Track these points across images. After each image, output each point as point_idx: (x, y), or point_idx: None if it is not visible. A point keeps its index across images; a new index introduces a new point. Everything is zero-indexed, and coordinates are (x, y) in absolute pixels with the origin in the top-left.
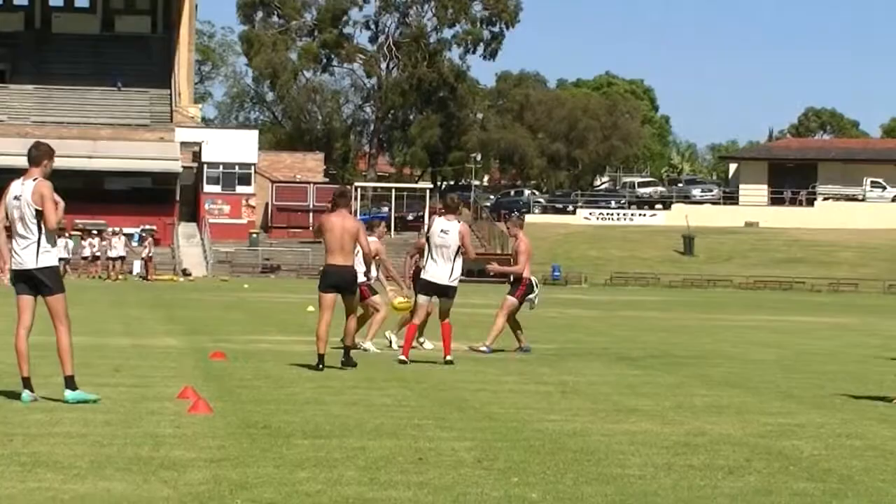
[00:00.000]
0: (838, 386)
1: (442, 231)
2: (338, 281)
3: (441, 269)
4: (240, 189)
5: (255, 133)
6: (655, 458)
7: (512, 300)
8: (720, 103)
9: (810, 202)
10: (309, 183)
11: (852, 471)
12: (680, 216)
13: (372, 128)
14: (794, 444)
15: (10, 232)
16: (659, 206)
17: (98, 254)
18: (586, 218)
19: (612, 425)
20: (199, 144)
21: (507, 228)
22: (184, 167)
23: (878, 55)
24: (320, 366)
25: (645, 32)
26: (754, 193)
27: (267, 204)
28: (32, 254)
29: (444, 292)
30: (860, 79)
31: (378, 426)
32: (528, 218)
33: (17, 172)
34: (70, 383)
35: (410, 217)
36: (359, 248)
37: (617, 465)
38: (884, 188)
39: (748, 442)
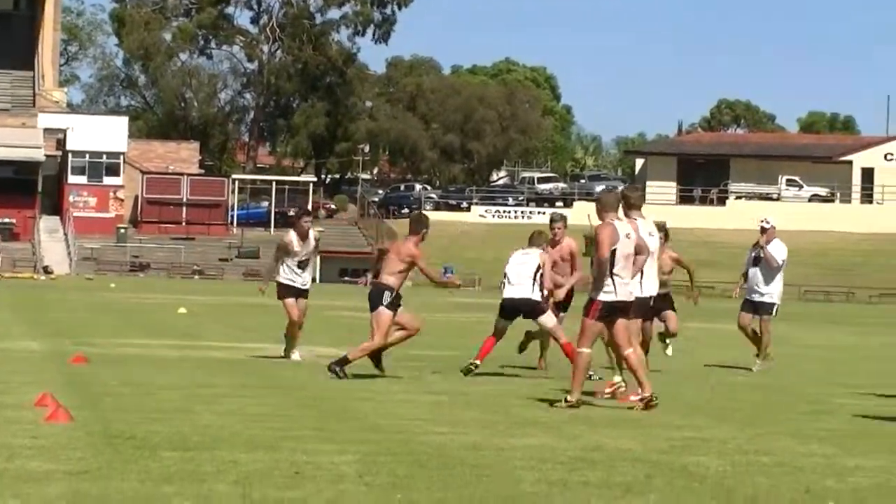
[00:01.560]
0: (747, 399)
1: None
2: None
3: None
4: (107, 180)
5: (125, 120)
6: (550, 474)
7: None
8: (627, 93)
9: (722, 201)
10: (182, 174)
11: (759, 489)
12: (582, 215)
13: (252, 116)
14: (699, 461)
15: None
16: (560, 203)
17: None
18: (482, 215)
19: (506, 439)
20: (64, 131)
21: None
22: (47, 156)
23: (797, 45)
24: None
25: (547, 15)
26: (662, 191)
27: (137, 197)
28: None
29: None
30: (777, 69)
31: (252, 437)
32: None
33: None
34: None
35: (292, 212)
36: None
37: (509, 482)
38: (800, 187)
39: (649, 458)
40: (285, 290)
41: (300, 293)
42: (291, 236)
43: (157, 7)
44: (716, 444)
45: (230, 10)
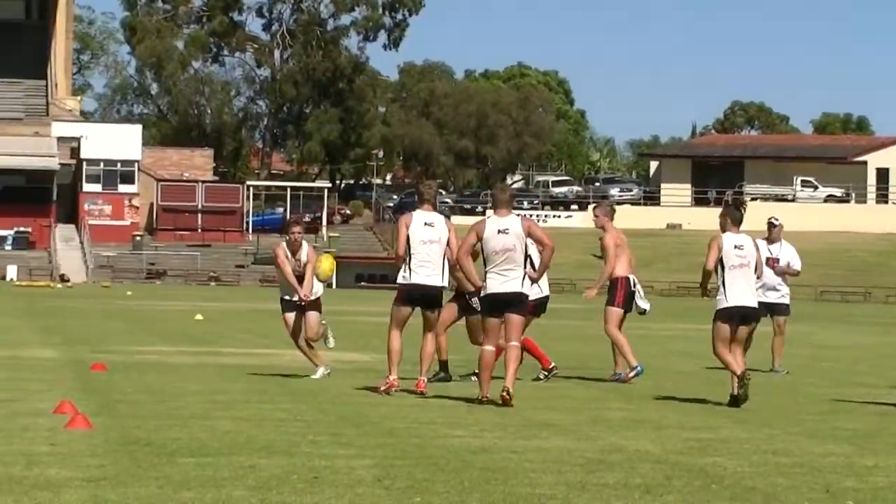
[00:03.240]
0: (765, 399)
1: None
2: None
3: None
4: (122, 188)
5: (139, 128)
6: (568, 476)
7: (615, 310)
8: (640, 96)
9: None
10: (197, 181)
11: (777, 489)
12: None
13: (265, 122)
14: (717, 461)
15: None
16: (574, 206)
17: None
18: None
19: (523, 441)
20: (78, 140)
21: (595, 217)
22: (61, 164)
23: (809, 45)
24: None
25: (559, 20)
26: (677, 193)
27: (152, 204)
28: None
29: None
30: (790, 70)
31: (270, 443)
32: None
33: None
34: None
35: (307, 218)
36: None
37: (527, 485)
38: (815, 188)
39: (667, 459)
40: (285, 305)
41: (303, 307)
42: (281, 251)
43: (168, 15)
44: (733, 445)
45: (241, 17)
